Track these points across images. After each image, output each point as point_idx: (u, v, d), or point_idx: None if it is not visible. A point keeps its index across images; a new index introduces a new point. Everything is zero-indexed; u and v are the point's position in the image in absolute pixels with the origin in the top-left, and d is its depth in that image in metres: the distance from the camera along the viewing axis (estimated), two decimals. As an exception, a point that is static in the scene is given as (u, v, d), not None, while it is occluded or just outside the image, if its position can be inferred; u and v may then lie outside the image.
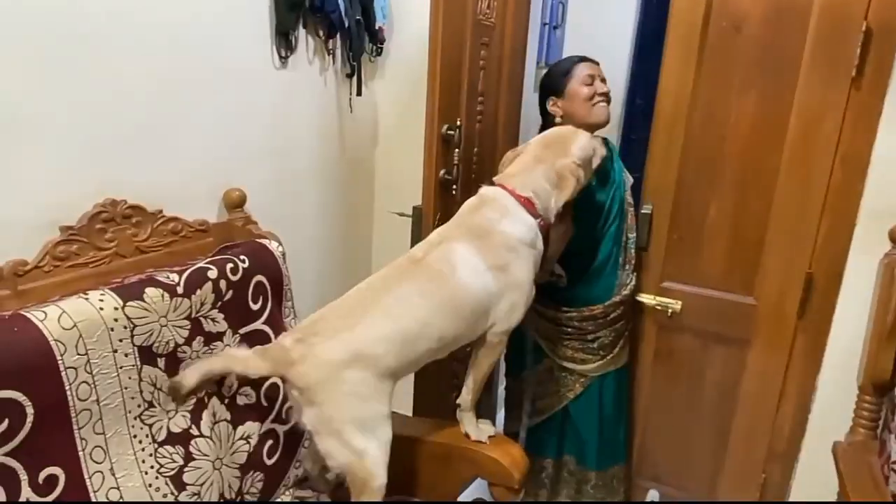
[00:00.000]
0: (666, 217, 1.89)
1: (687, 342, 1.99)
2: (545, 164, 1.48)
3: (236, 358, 1.30)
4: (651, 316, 2.00)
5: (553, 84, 1.79)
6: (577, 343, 1.86)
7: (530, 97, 2.48)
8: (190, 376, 1.25)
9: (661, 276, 1.95)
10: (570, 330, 1.85)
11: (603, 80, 1.76)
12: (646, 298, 1.96)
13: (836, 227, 1.70)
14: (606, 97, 1.76)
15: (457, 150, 1.71)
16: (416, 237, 1.70)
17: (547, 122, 1.83)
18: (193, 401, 1.32)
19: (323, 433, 1.22)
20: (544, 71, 3.19)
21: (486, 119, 1.88)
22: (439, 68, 1.57)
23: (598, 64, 1.77)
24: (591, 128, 1.72)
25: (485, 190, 1.49)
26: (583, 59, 1.77)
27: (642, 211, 1.90)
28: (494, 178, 1.52)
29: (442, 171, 1.70)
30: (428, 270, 1.34)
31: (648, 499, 2.16)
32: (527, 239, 1.42)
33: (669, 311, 1.92)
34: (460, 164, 1.73)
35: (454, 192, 1.74)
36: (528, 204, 1.44)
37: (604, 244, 1.82)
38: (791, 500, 1.88)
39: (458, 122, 1.70)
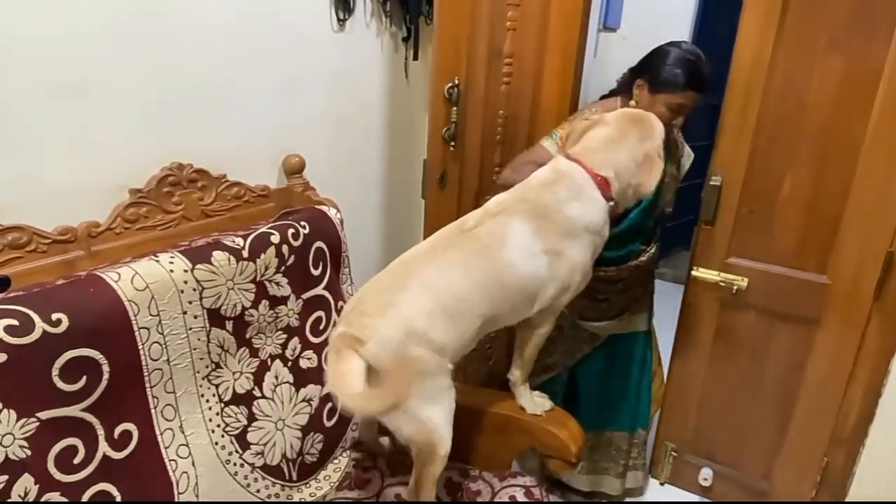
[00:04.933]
0: (736, 190, 1.79)
1: (751, 320, 1.91)
2: (630, 141, 1.38)
3: (355, 396, 1.11)
4: (713, 292, 1.92)
5: (657, 75, 1.63)
6: (587, 301, 1.77)
7: (590, 63, 2.39)
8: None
9: (728, 252, 1.86)
10: None
11: (686, 118, 1.70)
12: (709, 275, 1.88)
13: (923, 203, 1.60)
14: None
15: (454, 108, 1.75)
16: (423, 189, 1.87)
17: (619, 91, 1.75)
18: (257, 363, 1.34)
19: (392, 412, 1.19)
20: (607, 34, 3.07)
21: (519, 82, 1.82)
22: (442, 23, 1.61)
23: (702, 94, 1.65)
24: None
25: (561, 164, 1.37)
26: (698, 86, 1.62)
27: (711, 183, 1.81)
28: (571, 151, 1.40)
29: (444, 129, 1.75)
30: (475, 242, 1.26)
31: (701, 476, 2.12)
32: (593, 225, 1.33)
33: (734, 287, 1.84)
34: (457, 122, 1.77)
35: (452, 148, 1.80)
36: (603, 184, 1.33)
37: (633, 214, 1.67)
38: (853, 484, 1.82)
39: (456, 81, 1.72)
